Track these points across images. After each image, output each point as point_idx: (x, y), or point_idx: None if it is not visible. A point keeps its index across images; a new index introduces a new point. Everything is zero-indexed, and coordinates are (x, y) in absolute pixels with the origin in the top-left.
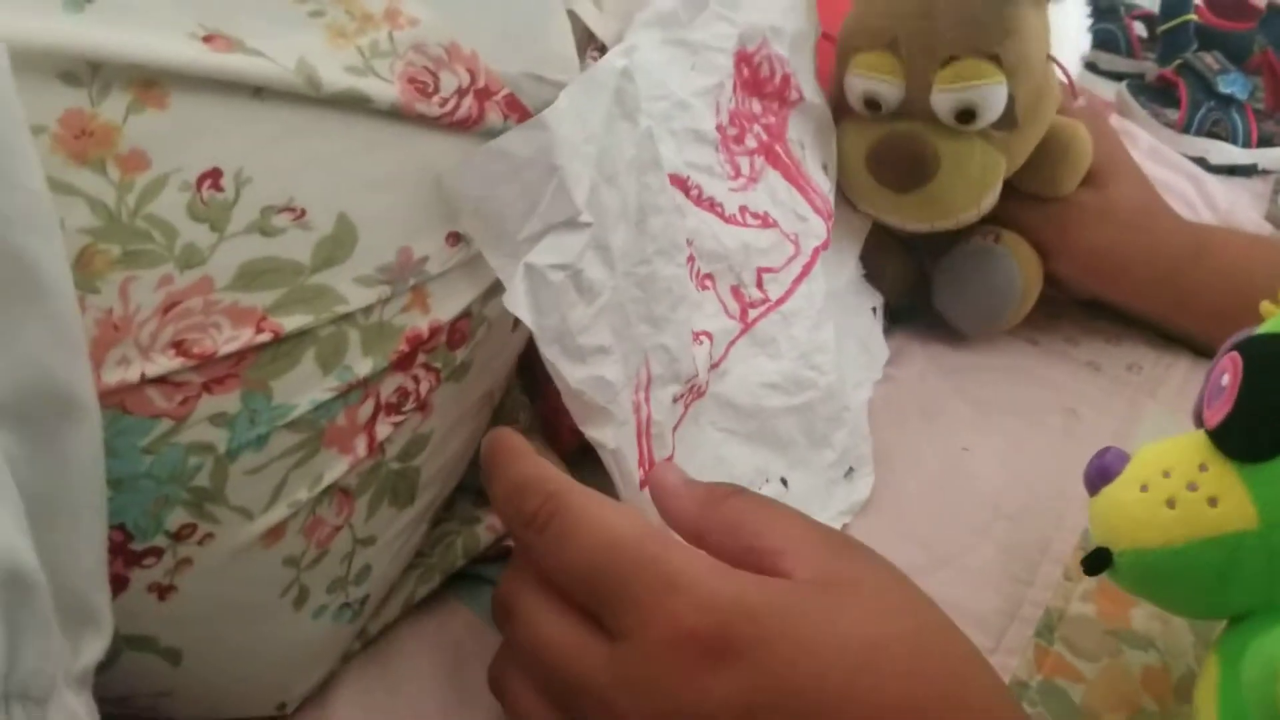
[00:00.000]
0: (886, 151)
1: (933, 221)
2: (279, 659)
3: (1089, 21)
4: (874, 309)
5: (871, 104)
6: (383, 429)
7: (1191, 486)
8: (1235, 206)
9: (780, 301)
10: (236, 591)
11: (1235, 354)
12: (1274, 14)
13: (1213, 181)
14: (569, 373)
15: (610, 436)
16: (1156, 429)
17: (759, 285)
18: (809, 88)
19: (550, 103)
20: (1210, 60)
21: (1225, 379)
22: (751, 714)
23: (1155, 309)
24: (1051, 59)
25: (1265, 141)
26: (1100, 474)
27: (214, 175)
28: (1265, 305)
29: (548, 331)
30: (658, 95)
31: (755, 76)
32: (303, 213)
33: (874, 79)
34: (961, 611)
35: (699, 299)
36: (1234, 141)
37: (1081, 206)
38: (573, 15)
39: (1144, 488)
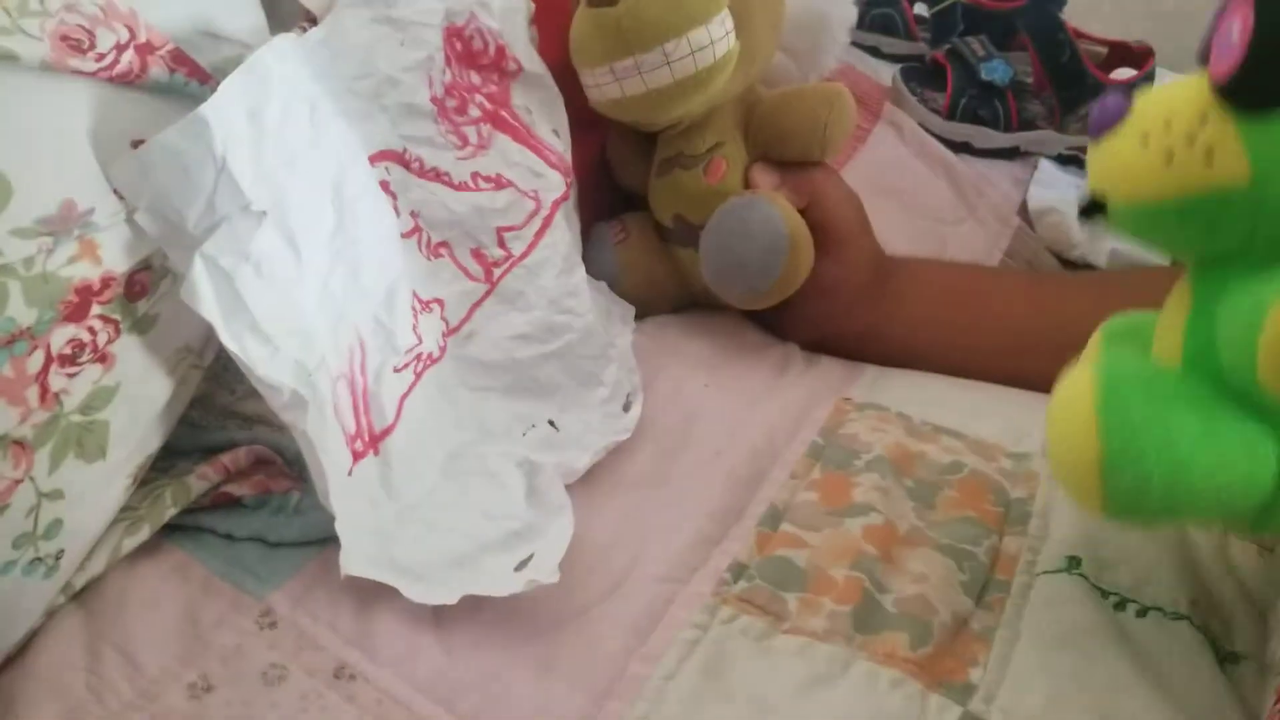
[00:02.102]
0: None
1: (647, 39)
2: None
3: (865, 9)
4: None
5: None
6: (57, 380)
7: (1190, 140)
8: (981, 207)
9: (524, 255)
10: None
11: (1246, 4)
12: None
13: (969, 175)
14: (255, 358)
15: (302, 419)
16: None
17: (501, 244)
18: (527, 59)
19: (231, 60)
20: (976, 46)
21: (1235, 31)
22: None
23: None
24: None
25: (1028, 124)
26: (1104, 118)
27: None
28: None
29: (229, 320)
30: (363, 74)
31: (469, 49)
32: None
33: None
34: (697, 505)
35: (429, 268)
36: (995, 127)
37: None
38: None
39: (1145, 139)
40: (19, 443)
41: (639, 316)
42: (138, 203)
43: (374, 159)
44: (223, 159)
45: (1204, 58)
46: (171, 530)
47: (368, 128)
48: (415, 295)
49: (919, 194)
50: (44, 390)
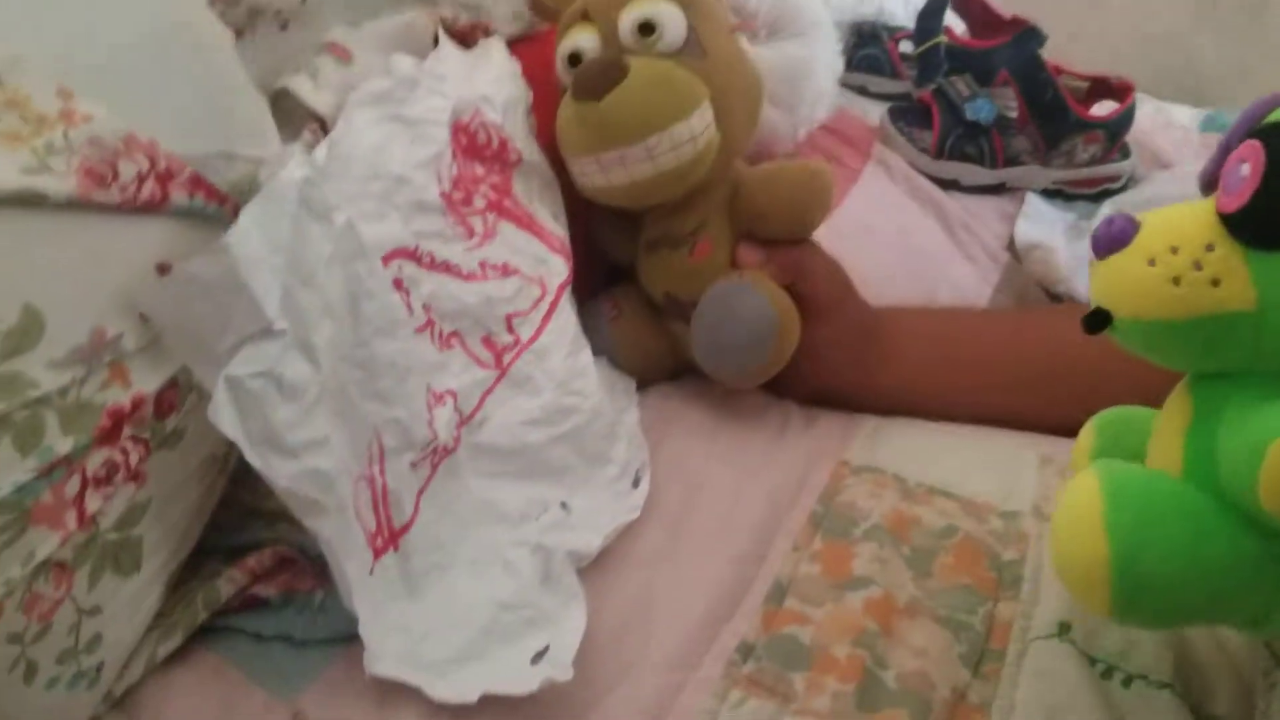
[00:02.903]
0: (583, 67)
1: (631, 134)
2: None
3: (851, 51)
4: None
5: (575, 60)
6: (93, 502)
7: (1197, 266)
8: (971, 244)
9: (532, 340)
10: None
11: (1257, 143)
12: (1024, 34)
13: (958, 212)
14: (279, 471)
15: (325, 526)
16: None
17: (510, 330)
18: (527, 149)
19: (245, 177)
20: (961, 85)
21: (1245, 168)
22: None
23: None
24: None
25: (1013, 160)
26: (1111, 241)
27: None
28: None
29: (253, 436)
30: (375, 176)
31: (473, 143)
32: None
33: (573, 37)
34: (705, 584)
35: (441, 360)
36: (981, 164)
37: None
38: (288, 92)
39: (1152, 261)
40: (60, 564)
41: (637, 386)
42: (165, 327)
43: (387, 259)
44: (245, 284)
45: (1207, 187)
46: (202, 631)
47: (381, 228)
48: (430, 389)
49: (910, 232)
50: (81, 513)
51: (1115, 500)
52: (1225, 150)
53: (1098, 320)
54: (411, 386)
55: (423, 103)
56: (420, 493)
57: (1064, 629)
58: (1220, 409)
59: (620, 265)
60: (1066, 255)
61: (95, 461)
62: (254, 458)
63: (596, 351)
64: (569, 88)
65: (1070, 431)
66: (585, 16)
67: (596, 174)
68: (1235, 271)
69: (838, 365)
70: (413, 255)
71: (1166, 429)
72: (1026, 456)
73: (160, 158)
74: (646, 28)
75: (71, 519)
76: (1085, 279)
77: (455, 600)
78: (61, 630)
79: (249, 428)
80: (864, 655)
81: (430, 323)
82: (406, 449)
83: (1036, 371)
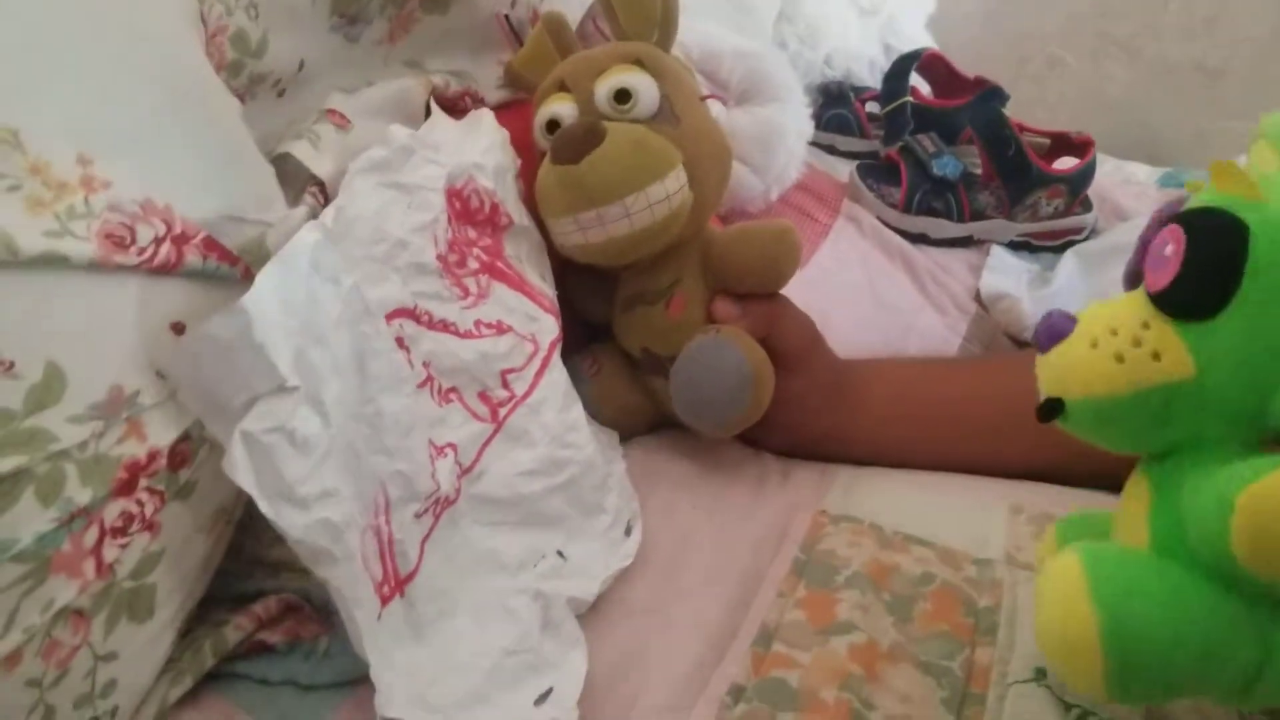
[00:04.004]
0: (562, 132)
1: (609, 194)
2: None
3: (820, 111)
4: None
5: (553, 126)
6: (110, 551)
7: (1137, 343)
8: (939, 295)
9: (526, 395)
10: None
11: (1177, 227)
12: (986, 94)
13: (926, 265)
14: (291, 523)
15: (335, 575)
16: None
17: (505, 385)
18: (516, 213)
19: (254, 240)
20: (927, 143)
21: (1169, 248)
22: None
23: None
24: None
25: (979, 214)
26: (1051, 334)
27: None
28: (1190, 183)
29: (267, 489)
30: (377, 239)
31: (466, 208)
32: (11, 365)
33: (550, 105)
34: (695, 629)
35: (441, 414)
36: (949, 218)
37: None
38: (288, 156)
39: (1094, 344)
40: (78, 612)
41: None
42: (181, 384)
43: (389, 318)
44: (261, 345)
45: (1132, 280)
46: (212, 677)
47: (383, 290)
48: (431, 443)
49: (880, 285)
50: (99, 562)
51: (1096, 573)
52: (1144, 245)
53: (1050, 410)
54: (414, 440)
55: (419, 170)
56: (424, 541)
57: (1040, 674)
58: (1179, 483)
59: (596, 325)
60: (1031, 305)
61: (112, 512)
62: (267, 509)
63: None
64: (548, 152)
65: (1037, 477)
66: (562, 86)
67: (575, 233)
68: (1172, 344)
69: (810, 415)
70: (412, 314)
71: (1128, 515)
72: (996, 506)
73: (176, 221)
74: (622, 95)
75: (90, 568)
76: None
77: (460, 646)
78: (78, 676)
79: (262, 480)
80: (850, 699)
81: (430, 379)
82: (411, 500)
83: (1003, 417)
